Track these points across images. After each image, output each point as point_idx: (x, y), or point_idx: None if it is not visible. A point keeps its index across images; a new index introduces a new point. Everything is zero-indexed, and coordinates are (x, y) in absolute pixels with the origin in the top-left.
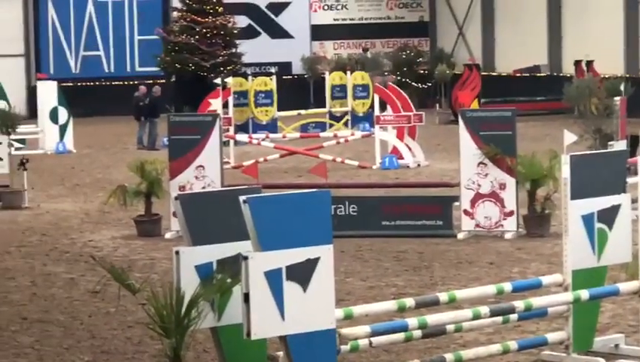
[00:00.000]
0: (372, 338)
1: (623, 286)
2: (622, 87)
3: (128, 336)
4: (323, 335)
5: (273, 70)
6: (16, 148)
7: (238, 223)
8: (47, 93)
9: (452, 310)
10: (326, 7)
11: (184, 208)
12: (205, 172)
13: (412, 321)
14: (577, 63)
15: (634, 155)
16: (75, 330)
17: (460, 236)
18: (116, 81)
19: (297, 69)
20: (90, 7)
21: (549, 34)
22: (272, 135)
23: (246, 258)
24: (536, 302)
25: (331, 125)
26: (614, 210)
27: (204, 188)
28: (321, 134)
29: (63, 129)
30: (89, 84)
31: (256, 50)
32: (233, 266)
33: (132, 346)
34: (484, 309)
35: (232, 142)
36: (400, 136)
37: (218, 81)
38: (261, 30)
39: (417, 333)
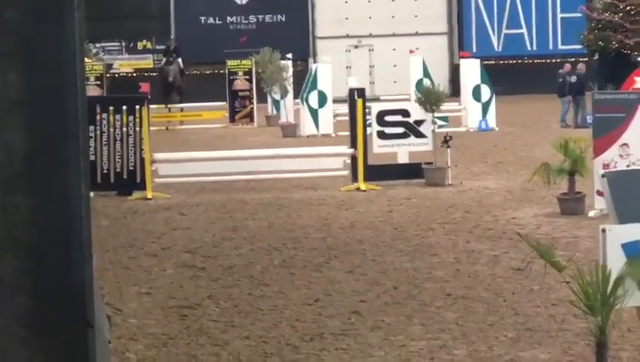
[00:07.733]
0: None
1: None
2: None
3: (551, 314)
4: None
5: None
6: (439, 126)
7: None
8: (470, 71)
9: None
10: None
11: (611, 186)
12: (630, 150)
13: None
14: None
15: None
16: (499, 307)
17: None
18: (538, 59)
19: None
20: None
21: None
22: None
23: None
24: None
25: None
26: None
27: (628, 166)
28: None
29: (485, 107)
30: (511, 62)
31: None
32: None
33: (555, 324)
34: None
35: None
36: None
37: None
38: None
39: None
